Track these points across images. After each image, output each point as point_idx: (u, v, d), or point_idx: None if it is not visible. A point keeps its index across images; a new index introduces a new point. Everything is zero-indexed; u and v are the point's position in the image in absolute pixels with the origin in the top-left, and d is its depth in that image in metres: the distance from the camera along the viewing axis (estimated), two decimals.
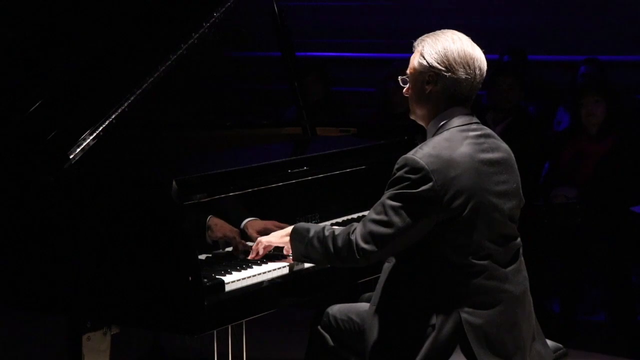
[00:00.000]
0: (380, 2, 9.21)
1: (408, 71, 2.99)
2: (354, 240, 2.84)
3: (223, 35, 3.63)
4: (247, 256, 3.16)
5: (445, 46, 2.90)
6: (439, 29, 2.98)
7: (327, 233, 2.93)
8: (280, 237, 3.11)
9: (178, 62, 3.36)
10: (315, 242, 2.95)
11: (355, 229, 2.86)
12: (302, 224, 3.07)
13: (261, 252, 3.14)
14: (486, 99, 6.20)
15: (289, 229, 3.08)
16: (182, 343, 4.70)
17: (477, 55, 2.92)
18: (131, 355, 4.70)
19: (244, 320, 3.26)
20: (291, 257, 3.13)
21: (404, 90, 3.01)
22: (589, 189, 5.29)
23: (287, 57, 4.12)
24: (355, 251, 2.84)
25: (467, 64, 2.89)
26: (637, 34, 7.93)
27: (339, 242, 2.88)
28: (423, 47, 2.93)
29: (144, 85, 3.27)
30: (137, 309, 2.95)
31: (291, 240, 3.05)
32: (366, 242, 2.83)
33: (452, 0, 8.79)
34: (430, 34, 2.97)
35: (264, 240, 3.14)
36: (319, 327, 3.19)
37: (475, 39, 2.95)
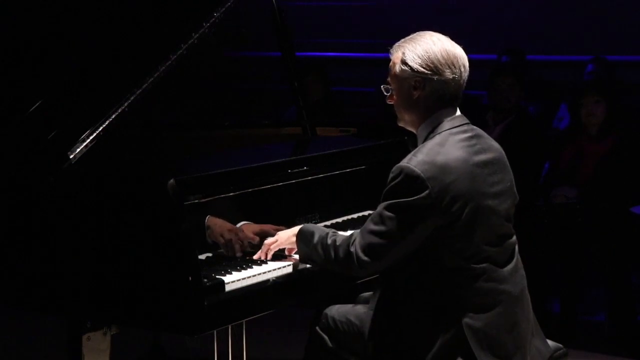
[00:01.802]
0: (380, 2, 9.21)
1: (390, 79, 2.96)
2: (353, 252, 2.85)
3: (223, 35, 3.63)
4: (247, 256, 3.17)
5: (426, 49, 2.87)
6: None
7: (329, 241, 2.94)
8: (287, 238, 3.12)
9: (178, 62, 3.37)
10: (319, 248, 2.97)
11: (355, 240, 2.86)
12: (308, 227, 3.07)
13: (269, 256, 3.14)
14: (486, 99, 6.20)
15: (296, 229, 3.08)
16: (182, 343, 4.69)
17: (459, 53, 2.90)
18: (131, 355, 4.70)
19: (244, 320, 3.26)
20: (292, 257, 3.14)
21: (388, 99, 2.99)
22: (589, 189, 5.29)
23: (287, 57, 4.12)
24: (356, 263, 2.85)
25: (452, 63, 2.87)
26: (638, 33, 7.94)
27: (340, 252, 2.89)
28: (404, 52, 2.90)
29: (144, 85, 3.27)
30: (137, 309, 2.95)
31: (297, 242, 3.06)
32: (365, 254, 2.83)
33: (452, 1, 8.79)
34: (407, 38, 2.94)
35: (273, 245, 3.14)
36: (317, 328, 3.19)
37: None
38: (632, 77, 7.49)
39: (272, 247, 3.14)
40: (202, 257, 3.10)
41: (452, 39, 2.95)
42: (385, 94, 2.98)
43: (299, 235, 3.06)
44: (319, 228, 3.05)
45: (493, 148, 2.95)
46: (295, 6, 8.41)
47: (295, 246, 3.10)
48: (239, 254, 3.17)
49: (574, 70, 7.38)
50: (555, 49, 8.25)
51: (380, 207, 2.82)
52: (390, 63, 2.94)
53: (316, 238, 2.99)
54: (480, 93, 6.84)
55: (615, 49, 7.76)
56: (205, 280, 2.89)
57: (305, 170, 3.43)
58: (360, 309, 3.13)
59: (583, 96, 5.44)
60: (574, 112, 5.75)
